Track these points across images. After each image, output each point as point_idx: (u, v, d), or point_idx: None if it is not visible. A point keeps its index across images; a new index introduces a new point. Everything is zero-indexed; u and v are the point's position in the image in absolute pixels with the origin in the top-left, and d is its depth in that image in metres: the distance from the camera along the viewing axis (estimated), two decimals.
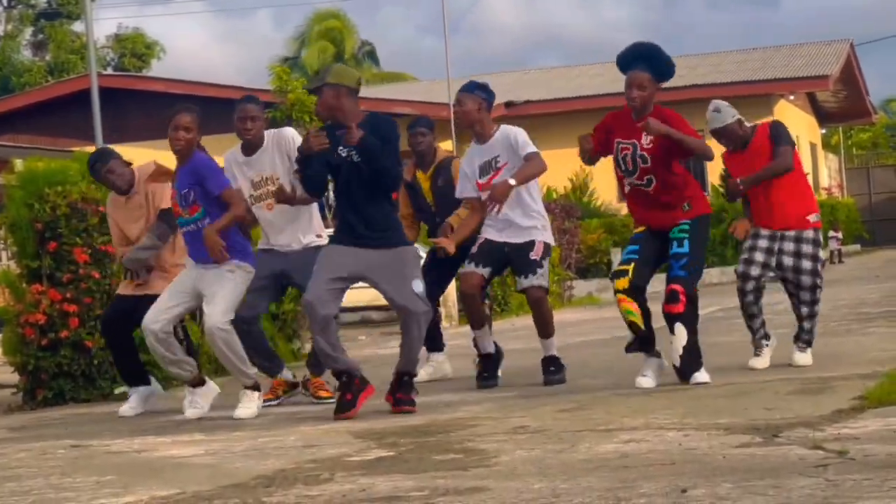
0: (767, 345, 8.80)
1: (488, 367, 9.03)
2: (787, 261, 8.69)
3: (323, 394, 8.75)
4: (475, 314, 8.99)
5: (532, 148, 8.74)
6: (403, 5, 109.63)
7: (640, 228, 8.23)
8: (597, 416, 6.84)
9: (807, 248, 8.70)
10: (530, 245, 8.76)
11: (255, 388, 8.32)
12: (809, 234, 8.72)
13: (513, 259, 8.83)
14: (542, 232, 8.87)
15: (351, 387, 7.72)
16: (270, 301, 9.10)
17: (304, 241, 8.68)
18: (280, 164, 8.60)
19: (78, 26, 49.30)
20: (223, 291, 8.12)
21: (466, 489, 4.86)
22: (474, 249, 8.84)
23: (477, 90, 8.86)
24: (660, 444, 5.64)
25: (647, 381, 8.05)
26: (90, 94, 19.92)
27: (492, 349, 9.07)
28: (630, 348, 8.23)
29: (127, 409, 8.98)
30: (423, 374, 9.50)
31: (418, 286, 7.70)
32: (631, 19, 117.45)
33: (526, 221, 8.80)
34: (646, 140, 8.01)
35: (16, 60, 49.58)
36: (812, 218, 8.78)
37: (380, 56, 59.40)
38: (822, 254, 8.86)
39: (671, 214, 8.08)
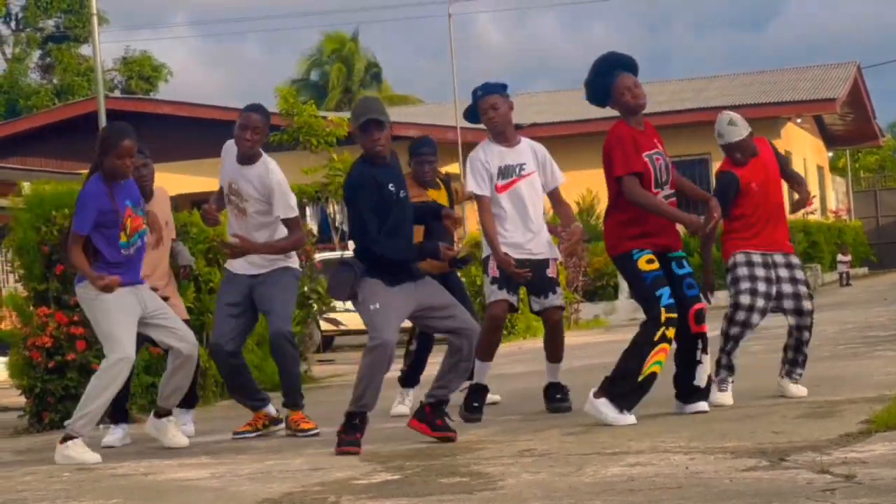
0: (733, 380, 8.33)
1: (478, 398, 8.48)
2: (787, 288, 8.33)
3: (305, 426, 8.21)
4: (494, 345, 8.57)
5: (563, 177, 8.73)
6: (402, 29, 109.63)
7: (654, 266, 7.61)
8: (603, 439, 6.83)
9: (799, 274, 8.39)
10: (545, 263, 8.53)
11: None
12: (794, 259, 8.44)
13: (531, 278, 8.45)
14: (552, 247, 8.66)
15: (363, 428, 7.21)
16: (250, 330, 8.56)
17: (278, 263, 8.23)
18: (256, 193, 8.13)
19: (85, 49, 49.42)
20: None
21: None
22: (496, 273, 8.42)
23: (505, 92, 8.64)
24: (666, 468, 5.63)
25: (631, 418, 7.54)
26: (97, 117, 19.97)
27: (485, 381, 8.56)
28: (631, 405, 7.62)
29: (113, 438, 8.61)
30: (404, 409, 8.98)
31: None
32: (621, 44, 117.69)
33: (543, 235, 8.58)
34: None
35: (23, 83, 49.68)
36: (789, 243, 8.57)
37: (384, 78, 59.45)
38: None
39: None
